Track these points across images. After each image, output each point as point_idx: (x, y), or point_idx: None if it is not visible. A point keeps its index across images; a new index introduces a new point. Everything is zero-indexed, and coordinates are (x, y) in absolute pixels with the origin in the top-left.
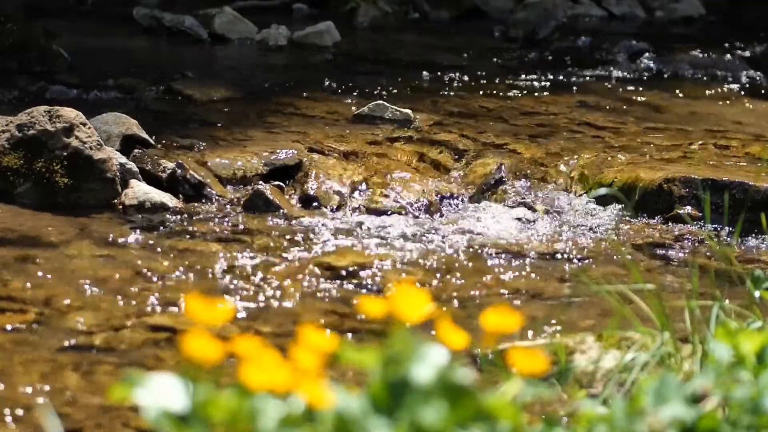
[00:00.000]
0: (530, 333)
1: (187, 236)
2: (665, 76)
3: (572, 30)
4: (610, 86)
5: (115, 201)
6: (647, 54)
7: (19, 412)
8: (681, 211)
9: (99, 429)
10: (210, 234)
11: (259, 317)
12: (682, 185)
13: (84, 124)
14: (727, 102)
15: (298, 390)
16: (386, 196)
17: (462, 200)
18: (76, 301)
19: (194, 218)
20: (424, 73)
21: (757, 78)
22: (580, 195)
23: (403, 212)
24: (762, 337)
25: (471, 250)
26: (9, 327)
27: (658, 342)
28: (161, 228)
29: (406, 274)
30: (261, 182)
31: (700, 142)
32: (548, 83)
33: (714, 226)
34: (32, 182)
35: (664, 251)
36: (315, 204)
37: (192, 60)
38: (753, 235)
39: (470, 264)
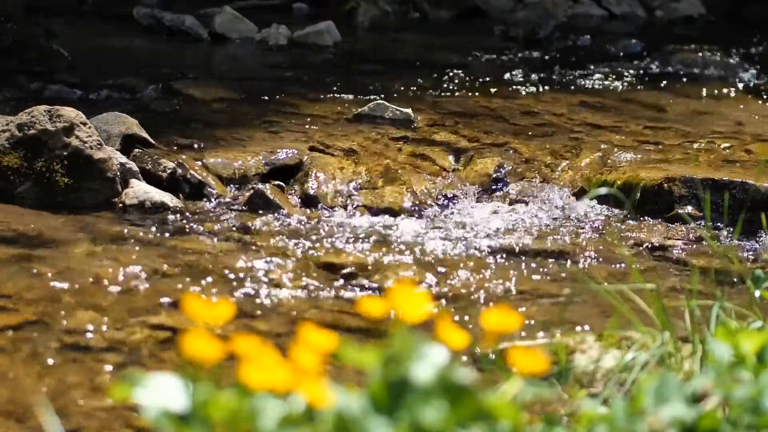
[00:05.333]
0: (530, 333)
1: (187, 236)
2: (665, 76)
3: (572, 30)
4: (610, 86)
5: (116, 200)
6: (647, 54)
7: (19, 412)
8: (681, 211)
9: (99, 429)
10: (210, 233)
11: (259, 317)
12: (682, 185)
13: (84, 124)
14: (727, 102)
15: (298, 390)
16: (386, 195)
17: (462, 200)
18: (76, 300)
19: (194, 218)
20: (425, 72)
21: (758, 78)
22: (581, 195)
23: (403, 212)
24: (762, 336)
25: (471, 249)
26: (9, 327)
27: (658, 342)
28: (161, 228)
29: (406, 274)
30: (261, 182)
31: (700, 142)
32: (548, 83)
33: (714, 226)
34: (32, 182)
35: (664, 251)
36: (315, 203)
37: (192, 60)
38: (753, 235)
39: (470, 264)
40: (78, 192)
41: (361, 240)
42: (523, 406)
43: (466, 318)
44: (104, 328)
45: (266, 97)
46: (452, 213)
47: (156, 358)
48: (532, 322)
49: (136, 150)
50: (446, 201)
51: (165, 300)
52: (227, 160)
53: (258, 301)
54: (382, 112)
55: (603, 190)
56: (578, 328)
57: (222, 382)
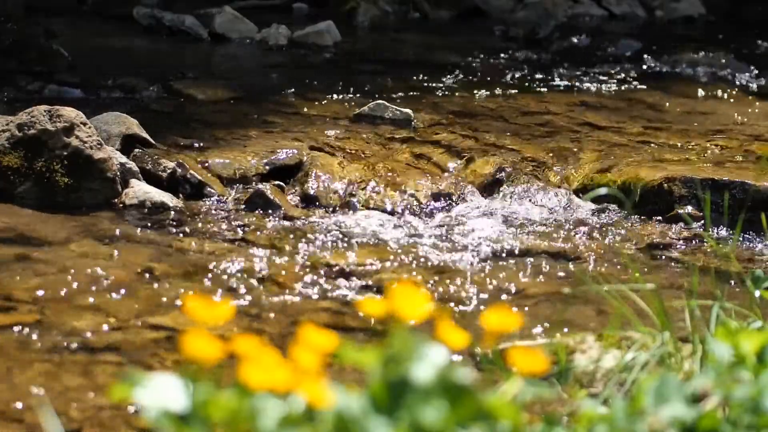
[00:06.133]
0: (530, 333)
1: (188, 236)
2: (665, 76)
3: (572, 30)
4: (610, 86)
5: (116, 200)
6: (647, 54)
7: (19, 412)
8: (681, 211)
9: (99, 429)
10: (210, 234)
11: (259, 317)
12: (682, 185)
13: (84, 124)
14: (727, 102)
15: (298, 390)
16: (386, 195)
17: (462, 200)
18: (76, 300)
19: (194, 218)
20: (425, 72)
21: (758, 78)
22: (580, 195)
23: (403, 212)
24: (762, 336)
25: (471, 249)
26: (9, 327)
27: (658, 342)
28: (161, 228)
29: (406, 274)
30: (261, 182)
31: (700, 142)
32: (548, 83)
33: (714, 226)
34: (32, 182)
35: (664, 251)
36: (315, 203)
37: (192, 60)
38: (753, 235)
39: (470, 264)
40: (78, 192)
41: (360, 240)
42: (523, 406)
43: (466, 318)
44: (104, 328)
45: (266, 97)
46: (452, 213)
47: (156, 358)
48: (532, 322)
49: (136, 150)
50: (446, 201)
51: (165, 300)
52: (227, 160)
53: (258, 301)
54: (382, 112)
55: (603, 190)
56: (578, 328)
57: (222, 382)
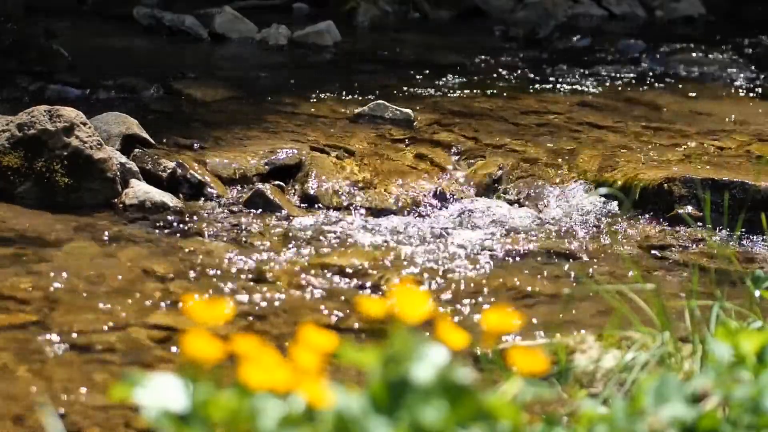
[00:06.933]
0: (530, 333)
1: (188, 236)
2: (665, 76)
3: (572, 30)
4: (610, 86)
5: (116, 200)
6: (647, 54)
7: (19, 412)
8: (681, 211)
9: (99, 429)
10: (210, 233)
11: (259, 317)
12: (682, 185)
13: (84, 124)
14: (727, 102)
15: (298, 390)
16: (386, 195)
17: (462, 200)
18: (76, 300)
19: (194, 218)
20: (425, 72)
21: (757, 78)
22: (580, 195)
23: (403, 212)
24: (762, 336)
25: (471, 249)
26: (9, 327)
27: (658, 342)
28: (161, 227)
29: (406, 274)
30: (261, 182)
31: (700, 142)
32: (548, 83)
33: (714, 226)
34: (32, 182)
35: (664, 251)
36: (315, 203)
37: (192, 60)
38: (753, 235)
39: (470, 263)
40: (78, 192)
41: (360, 240)
42: (523, 406)
43: (466, 318)
44: (104, 328)
45: (266, 97)
46: (452, 213)
47: (156, 358)
48: (532, 322)
49: (136, 150)
50: (446, 201)
51: (165, 300)
52: (227, 160)
53: (258, 301)
54: (382, 112)
55: (603, 190)
56: (578, 328)
57: (222, 382)
